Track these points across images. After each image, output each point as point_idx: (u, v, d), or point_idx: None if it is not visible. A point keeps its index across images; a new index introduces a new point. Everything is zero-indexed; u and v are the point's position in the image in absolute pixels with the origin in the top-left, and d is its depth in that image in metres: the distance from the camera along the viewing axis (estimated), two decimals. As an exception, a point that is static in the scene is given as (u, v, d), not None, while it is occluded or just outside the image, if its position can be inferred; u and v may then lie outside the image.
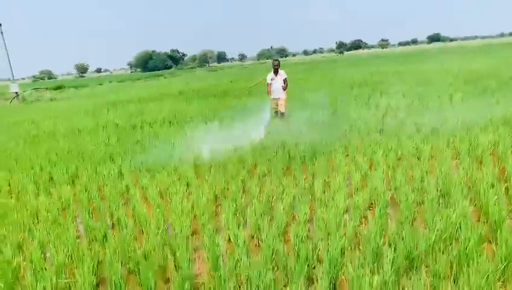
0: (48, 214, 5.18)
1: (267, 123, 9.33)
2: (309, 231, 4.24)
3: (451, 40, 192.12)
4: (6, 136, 11.96)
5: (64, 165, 7.52)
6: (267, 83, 10.05)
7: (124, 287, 3.47)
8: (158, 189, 5.85)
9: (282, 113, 9.99)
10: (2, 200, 5.90)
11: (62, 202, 5.65)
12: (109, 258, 3.77)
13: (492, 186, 4.86)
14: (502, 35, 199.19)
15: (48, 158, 8.25)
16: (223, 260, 3.74)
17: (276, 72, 9.90)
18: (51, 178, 6.97)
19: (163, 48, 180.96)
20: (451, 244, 3.65)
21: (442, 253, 3.47)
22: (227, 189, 5.63)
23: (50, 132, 11.88)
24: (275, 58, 10.77)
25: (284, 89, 9.86)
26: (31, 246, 4.28)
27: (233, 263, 3.58)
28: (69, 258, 4.00)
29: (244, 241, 3.99)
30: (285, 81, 9.87)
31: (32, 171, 7.36)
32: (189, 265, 3.59)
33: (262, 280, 3.28)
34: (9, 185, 6.71)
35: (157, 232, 4.30)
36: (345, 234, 3.95)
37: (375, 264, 3.41)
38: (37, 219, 5.17)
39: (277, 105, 10.02)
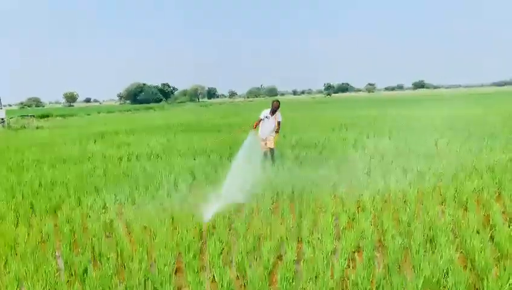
0: (26, 245, 5.00)
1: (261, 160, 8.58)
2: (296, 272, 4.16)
3: (435, 87, 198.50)
4: (-11, 162, 11.70)
5: (47, 194, 7.36)
6: (259, 118, 9.39)
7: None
8: (142, 223, 5.73)
9: (272, 150, 9.50)
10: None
11: (42, 234, 5.48)
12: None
13: (478, 232, 4.89)
14: (482, 85, 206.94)
15: (30, 187, 8.07)
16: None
17: (273, 112, 9.37)
18: (32, 208, 6.79)
19: (154, 81, 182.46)
20: (439, 291, 3.62)
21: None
22: (213, 227, 5.55)
23: (34, 160, 11.68)
24: (277, 99, 9.98)
25: (277, 131, 9.49)
26: (6, 279, 4.10)
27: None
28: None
29: (229, 282, 3.89)
30: (279, 124, 9.44)
31: (13, 199, 7.17)
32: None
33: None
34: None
35: (140, 268, 4.17)
36: (332, 276, 3.89)
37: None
38: (15, 250, 4.99)
39: (265, 143, 9.43)
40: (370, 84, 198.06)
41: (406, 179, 7.55)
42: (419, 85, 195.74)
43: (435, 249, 4.49)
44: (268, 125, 9.35)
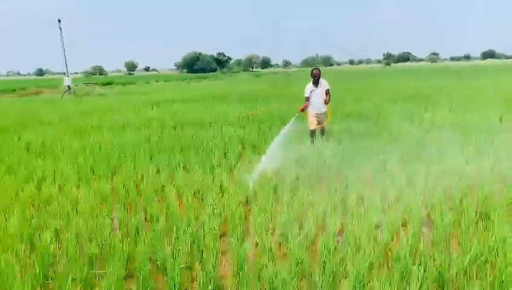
0: (86, 205, 5.40)
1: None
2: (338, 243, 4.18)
3: (507, 57, 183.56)
4: (56, 127, 12.58)
5: (106, 158, 7.82)
6: (306, 97, 8.50)
7: (151, 283, 3.56)
8: (192, 189, 5.95)
9: (323, 130, 8.81)
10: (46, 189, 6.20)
11: (100, 195, 5.87)
12: (139, 253, 3.88)
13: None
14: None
15: (91, 150, 8.61)
16: (248, 265, 3.75)
17: (316, 83, 8.47)
18: (93, 170, 7.26)
19: (210, 50, 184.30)
20: (486, 269, 3.48)
21: (476, 278, 3.33)
22: (259, 194, 5.65)
23: (96, 126, 12.38)
24: (315, 66, 9.12)
25: (327, 102, 8.52)
26: (67, 235, 4.47)
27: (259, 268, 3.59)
28: (101, 251, 4.15)
29: (271, 248, 3.99)
30: (327, 92, 8.50)
31: (76, 162, 7.70)
32: (214, 267, 3.64)
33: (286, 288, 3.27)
34: (54, 174, 7.04)
35: (187, 231, 4.37)
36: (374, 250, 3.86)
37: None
38: (76, 210, 5.39)
39: (318, 122, 8.65)
40: (433, 54, 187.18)
41: (463, 155, 7.19)
42: (490, 55, 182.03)
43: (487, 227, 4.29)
44: (316, 98, 8.48)
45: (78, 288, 3.54)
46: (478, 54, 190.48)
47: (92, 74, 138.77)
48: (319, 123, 8.68)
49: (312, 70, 8.64)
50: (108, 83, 50.92)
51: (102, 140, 9.82)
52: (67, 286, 3.43)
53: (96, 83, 38.58)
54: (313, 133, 8.70)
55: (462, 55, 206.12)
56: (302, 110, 8.42)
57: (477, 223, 4.43)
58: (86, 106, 20.09)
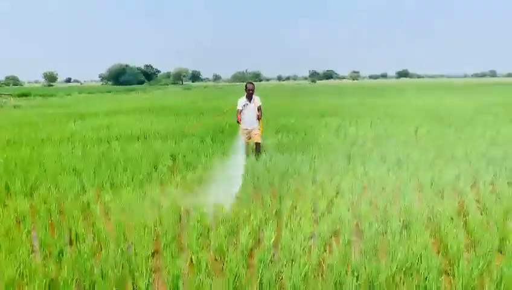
0: (1, 226, 4.91)
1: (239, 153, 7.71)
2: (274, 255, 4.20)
3: (419, 76, 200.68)
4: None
5: (23, 175, 7.21)
6: (238, 109, 8.40)
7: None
8: (121, 205, 5.67)
9: (259, 144, 8.56)
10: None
11: (17, 215, 5.38)
12: (64, 275, 3.59)
13: (452, 219, 5.01)
14: (465, 76, 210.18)
15: (5, 167, 7.89)
16: (183, 283, 3.63)
17: (250, 97, 8.35)
18: (7, 188, 6.65)
19: (137, 62, 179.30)
20: (411, 275, 3.70)
21: (403, 284, 3.52)
22: (193, 209, 5.54)
23: (10, 140, 11.41)
24: (249, 81, 9.01)
25: (259, 118, 8.40)
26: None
27: (195, 285, 3.49)
28: (21, 275, 3.78)
29: (207, 264, 3.91)
30: (259, 109, 8.38)
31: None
32: (148, 286, 3.48)
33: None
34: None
35: (117, 251, 4.15)
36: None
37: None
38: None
39: (249, 137, 8.51)
40: (354, 72, 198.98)
41: (385, 166, 7.65)
42: (404, 74, 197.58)
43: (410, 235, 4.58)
44: (248, 113, 8.34)
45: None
46: (393, 73, 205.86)
47: (5, 84, 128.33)
48: (250, 138, 8.53)
49: (246, 84, 8.52)
50: (25, 95, 47.28)
51: (18, 155, 9.05)
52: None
53: (11, 94, 35.66)
54: (244, 148, 8.19)
55: (379, 73, 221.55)
56: (239, 120, 8.37)
57: (401, 232, 4.70)
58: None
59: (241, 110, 8.35)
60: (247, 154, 8.21)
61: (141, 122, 15.34)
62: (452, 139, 10.52)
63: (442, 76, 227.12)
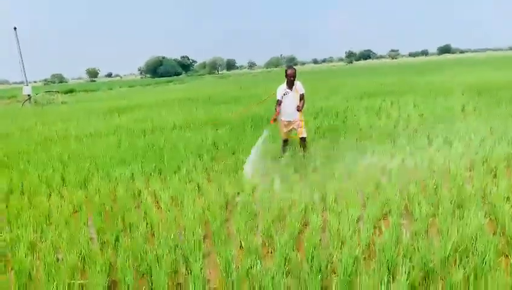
0: (60, 215, 5.20)
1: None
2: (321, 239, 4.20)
3: (462, 52, 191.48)
4: (19, 138, 12.07)
5: (76, 167, 7.56)
6: (278, 100, 7.14)
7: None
8: (169, 193, 5.84)
9: (304, 139, 7.38)
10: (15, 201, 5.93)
11: (74, 205, 5.67)
12: (121, 260, 3.77)
13: (508, 199, 4.80)
14: (510, 48, 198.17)
15: (60, 160, 8.30)
16: (236, 266, 3.71)
17: (291, 84, 7.13)
18: (63, 180, 7.00)
19: (174, 54, 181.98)
20: (467, 257, 3.59)
21: (459, 266, 3.43)
22: (239, 194, 5.63)
23: (62, 135, 11.97)
24: (289, 65, 7.75)
25: (300, 109, 7.15)
26: (43, 247, 4.29)
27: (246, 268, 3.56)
28: (82, 260, 4.00)
29: (256, 248, 3.97)
30: (301, 97, 7.19)
31: (44, 172, 7.40)
32: (201, 270, 3.58)
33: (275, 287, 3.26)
34: (22, 186, 6.75)
35: (169, 236, 4.29)
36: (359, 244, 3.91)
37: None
38: (49, 221, 5.19)
39: (289, 129, 7.41)
40: (393, 51, 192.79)
41: (432, 146, 7.42)
42: (445, 50, 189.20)
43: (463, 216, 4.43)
44: (289, 102, 7.13)
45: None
46: (435, 50, 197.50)
47: (52, 82, 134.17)
48: (291, 131, 7.48)
49: (286, 69, 7.23)
50: (70, 91, 49.43)
51: (69, 149, 9.50)
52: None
53: (58, 91, 37.26)
54: (285, 144, 7.59)
55: (420, 50, 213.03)
56: (274, 120, 7.20)
57: (453, 212, 4.56)
58: (49, 114, 19.40)
59: (281, 101, 7.14)
60: (285, 152, 7.42)
61: (182, 113, 15.61)
62: (502, 116, 10.02)
63: (486, 49, 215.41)
